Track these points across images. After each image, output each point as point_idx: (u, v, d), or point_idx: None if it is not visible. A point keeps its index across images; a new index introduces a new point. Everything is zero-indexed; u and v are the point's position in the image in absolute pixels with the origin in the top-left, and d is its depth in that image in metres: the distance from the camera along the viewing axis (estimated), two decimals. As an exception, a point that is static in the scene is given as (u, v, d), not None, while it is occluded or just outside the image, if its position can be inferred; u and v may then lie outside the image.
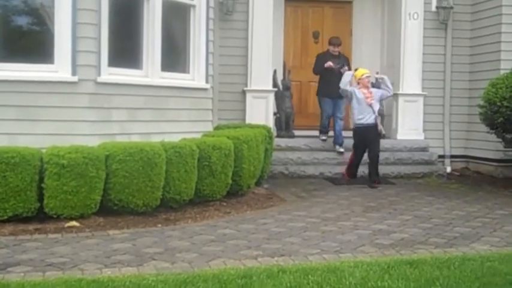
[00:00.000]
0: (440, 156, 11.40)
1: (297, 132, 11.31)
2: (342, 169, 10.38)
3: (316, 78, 11.21)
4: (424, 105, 11.59)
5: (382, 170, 10.65)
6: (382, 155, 10.83)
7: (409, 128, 11.48)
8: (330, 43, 11.05)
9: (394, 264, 5.30)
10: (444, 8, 11.43)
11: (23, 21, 8.01)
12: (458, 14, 11.58)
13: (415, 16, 11.46)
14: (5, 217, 6.50)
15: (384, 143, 11.13)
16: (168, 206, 7.38)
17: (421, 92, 11.57)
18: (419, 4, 11.48)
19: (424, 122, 11.59)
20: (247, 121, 10.54)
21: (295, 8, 12.42)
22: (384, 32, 12.39)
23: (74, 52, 7.38)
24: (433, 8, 11.53)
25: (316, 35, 12.46)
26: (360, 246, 6.08)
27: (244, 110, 10.89)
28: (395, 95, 11.54)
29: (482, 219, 7.45)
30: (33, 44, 7.90)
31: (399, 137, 11.46)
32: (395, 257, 5.68)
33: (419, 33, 11.50)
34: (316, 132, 11.28)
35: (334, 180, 10.16)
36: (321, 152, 10.79)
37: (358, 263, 5.39)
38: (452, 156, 11.65)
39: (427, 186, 10.15)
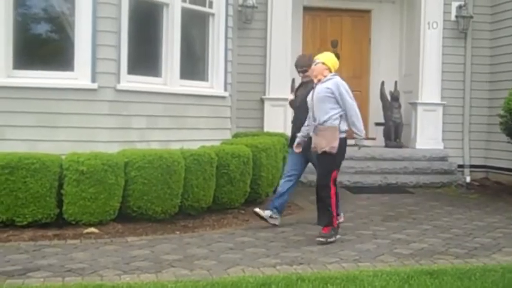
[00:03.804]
0: (459, 166, 11.31)
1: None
2: (361, 178, 10.30)
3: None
4: (443, 114, 11.51)
5: (401, 179, 10.62)
6: (401, 164, 10.81)
7: (428, 137, 11.40)
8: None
9: (414, 274, 5.25)
10: (464, 17, 11.36)
11: (43, 29, 8.07)
12: (478, 23, 11.51)
13: (434, 25, 11.41)
14: (25, 223, 6.54)
15: (402, 152, 11.12)
16: (187, 214, 7.38)
17: (440, 102, 11.49)
18: (439, 13, 11.43)
19: (443, 131, 11.51)
20: (265, 129, 10.54)
21: (313, 17, 12.42)
22: (402, 41, 12.35)
23: (94, 59, 7.42)
24: (453, 17, 11.47)
25: (334, 44, 12.44)
26: (379, 255, 6.03)
27: (262, 118, 10.89)
28: (414, 104, 11.49)
29: (503, 230, 7.36)
30: (53, 51, 7.95)
31: (418, 146, 11.38)
32: (415, 267, 5.63)
33: (439, 42, 11.44)
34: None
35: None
36: (339, 161, 10.72)
37: (377, 272, 5.35)
38: (471, 166, 11.56)
39: (446, 196, 10.06)
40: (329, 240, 6.42)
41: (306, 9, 12.21)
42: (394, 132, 11.55)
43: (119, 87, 7.53)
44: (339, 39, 12.49)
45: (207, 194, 7.46)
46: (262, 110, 10.93)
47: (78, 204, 6.63)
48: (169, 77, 8.29)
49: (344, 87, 6.56)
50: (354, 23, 12.59)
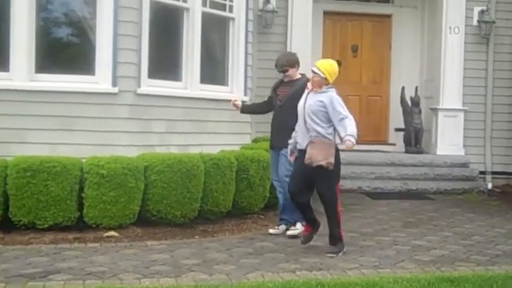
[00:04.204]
0: (481, 173, 11.20)
1: (334, 146, 11.22)
2: (381, 184, 10.24)
3: (356, 91, 11.11)
4: (465, 120, 11.40)
5: (421, 185, 10.54)
6: (421, 170, 10.73)
7: (449, 143, 11.30)
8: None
9: (434, 281, 5.21)
10: (486, 22, 11.27)
11: (65, 33, 8.13)
12: (501, 28, 11.41)
13: (456, 30, 11.33)
14: (46, 226, 6.58)
15: (423, 158, 11.04)
16: (206, 218, 7.39)
17: (461, 107, 11.39)
18: (460, 18, 11.34)
19: (465, 137, 11.40)
20: (285, 134, 10.49)
21: (333, 22, 12.38)
22: (423, 46, 12.27)
23: (115, 63, 7.45)
24: (475, 22, 11.38)
25: (354, 49, 12.40)
26: (399, 262, 5.99)
27: (281, 123, 10.84)
28: (435, 110, 11.40)
29: (525, 237, 7.29)
30: (74, 55, 8.00)
31: (439, 152, 11.29)
32: (435, 273, 5.58)
33: (460, 47, 11.35)
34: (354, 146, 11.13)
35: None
36: (358, 166, 10.69)
37: (397, 279, 5.31)
38: (493, 173, 11.44)
39: (467, 202, 9.97)
40: (339, 254, 6.19)
41: (326, 13, 12.18)
42: (415, 138, 11.47)
43: (139, 91, 7.56)
44: (359, 44, 12.44)
45: (226, 199, 7.45)
46: (281, 114, 10.88)
47: (98, 207, 6.66)
48: (190, 81, 8.30)
49: (338, 101, 6.18)
50: (374, 27, 12.53)
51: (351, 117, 6.16)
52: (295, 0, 10.94)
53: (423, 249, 6.52)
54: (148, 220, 7.00)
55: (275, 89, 7.18)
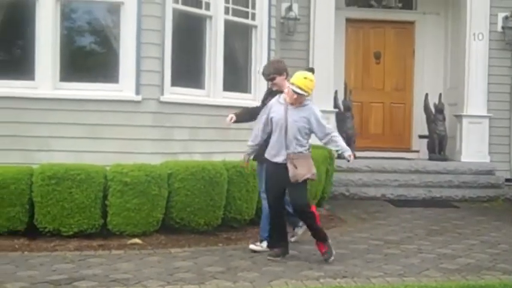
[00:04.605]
0: (507, 180, 11.06)
1: (358, 154, 11.13)
2: (405, 191, 10.17)
3: (380, 98, 11.06)
4: (490, 127, 11.29)
5: (446, 192, 10.45)
6: (445, 177, 10.63)
7: (474, 150, 11.19)
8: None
9: (460, 290, 5.15)
10: (510, 28, 11.16)
11: (88, 41, 8.19)
12: (525, 34, 11.29)
13: (480, 37, 11.24)
14: (71, 233, 6.62)
15: (447, 165, 10.94)
16: (229, 226, 7.38)
17: (486, 114, 11.28)
18: (485, 24, 11.25)
19: (490, 144, 11.29)
20: (308, 142, 10.47)
21: (356, 29, 12.35)
22: (447, 53, 12.19)
23: (138, 71, 7.49)
24: (499, 29, 11.29)
25: (377, 56, 12.36)
26: (424, 270, 5.93)
27: (304, 131, 10.82)
28: (459, 117, 11.30)
29: (553, 246, 7.18)
30: (98, 63, 8.07)
31: (463, 159, 11.18)
32: (461, 282, 5.52)
33: (485, 54, 11.26)
34: (377, 154, 11.13)
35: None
36: (382, 174, 10.63)
37: (422, 287, 5.26)
38: (519, 180, 11.31)
39: (493, 210, 9.86)
40: (333, 253, 6.14)
41: (349, 20, 12.16)
42: (439, 145, 11.38)
43: (162, 99, 7.59)
44: (382, 51, 12.40)
45: (249, 206, 7.44)
46: (304, 122, 10.87)
47: (122, 215, 6.69)
48: (213, 89, 8.32)
49: (319, 114, 6.17)
50: (397, 34, 12.48)
51: (335, 130, 6.39)
52: (317, 7, 10.94)
53: (448, 258, 6.45)
54: (172, 228, 7.00)
55: (264, 100, 6.72)
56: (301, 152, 6.08)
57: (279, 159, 6.11)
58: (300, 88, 5.99)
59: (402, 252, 6.65)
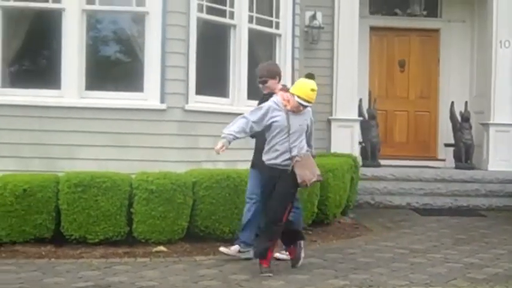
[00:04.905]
0: (535, 189, 10.90)
1: (382, 162, 11.15)
2: (430, 200, 10.06)
3: (404, 106, 10.96)
4: (517, 135, 11.16)
5: (472, 201, 10.33)
6: (472, 186, 10.52)
7: (501, 159, 11.06)
8: None
9: (488, 299, 5.08)
10: (537, 35, 11.05)
11: (113, 51, 8.28)
12: (552, 41, 11.16)
13: (507, 44, 11.13)
14: (96, 240, 6.66)
15: (474, 174, 10.82)
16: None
17: (513, 122, 11.17)
18: (511, 32, 11.13)
19: (517, 152, 11.15)
20: (332, 150, 10.45)
21: (380, 37, 12.32)
22: (473, 61, 12.09)
23: (163, 80, 7.54)
24: (525, 36, 11.18)
25: (402, 64, 12.30)
26: (451, 279, 5.84)
27: (329, 139, 10.81)
28: (486, 125, 11.18)
29: None
30: (123, 72, 8.14)
31: (490, 168, 11.05)
32: (489, 291, 5.45)
33: (511, 61, 11.13)
34: (402, 162, 11.04)
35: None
36: (407, 182, 10.54)
37: (450, 296, 5.20)
38: (547, 189, 11.13)
39: (520, 219, 9.72)
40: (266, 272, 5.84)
41: (373, 29, 12.13)
42: (465, 153, 11.27)
43: (187, 107, 7.62)
44: (407, 59, 12.34)
45: (274, 214, 7.40)
46: (329, 130, 10.86)
47: (147, 222, 6.71)
48: (237, 97, 8.34)
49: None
50: (422, 42, 12.42)
51: None
52: (341, 16, 10.92)
53: (476, 267, 6.36)
54: (197, 235, 7.00)
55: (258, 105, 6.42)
56: (303, 154, 5.94)
57: (278, 161, 5.90)
58: (307, 101, 5.86)
59: (428, 261, 6.57)
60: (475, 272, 6.13)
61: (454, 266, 6.40)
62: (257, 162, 6.30)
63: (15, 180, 6.63)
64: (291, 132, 5.88)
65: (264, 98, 6.39)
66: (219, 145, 5.86)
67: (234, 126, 5.89)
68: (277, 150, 5.89)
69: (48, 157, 7.25)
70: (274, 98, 5.99)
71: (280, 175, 5.90)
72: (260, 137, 6.24)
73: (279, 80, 6.41)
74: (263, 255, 5.90)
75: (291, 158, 5.87)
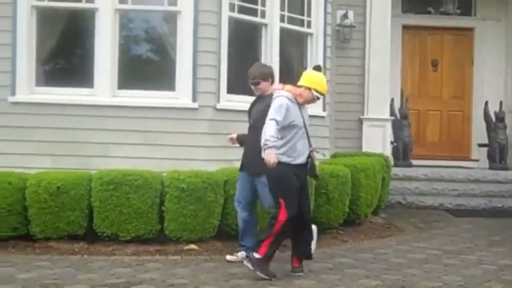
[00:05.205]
0: None
1: (414, 162, 11.02)
2: (464, 201, 9.93)
3: (437, 106, 10.82)
4: (554, 136, 10.96)
5: (507, 202, 10.18)
6: (507, 187, 10.38)
7: (537, 159, 10.88)
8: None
9: (524, 302, 4.98)
10: None
11: (145, 50, 8.32)
12: None
13: (543, 43, 10.94)
14: (128, 238, 6.70)
15: (509, 174, 10.63)
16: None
17: (549, 122, 10.97)
18: (547, 31, 10.96)
19: (555, 153, 10.94)
20: (364, 149, 10.37)
21: (413, 36, 12.18)
22: (508, 59, 11.87)
23: (195, 79, 7.56)
24: (561, 34, 10.97)
25: (434, 63, 12.15)
26: (486, 282, 5.76)
27: (360, 139, 10.71)
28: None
29: None
30: (155, 71, 8.17)
31: (525, 168, 10.88)
32: (525, 294, 5.35)
33: (548, 60, 10.96)
34: (435, 162, 10.90)
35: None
36: (440, 183, 10.42)
37: (484, 299, 5.12)
38: None
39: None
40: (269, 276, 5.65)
41: (405, 27, 12.00)
42: (499, 154, 11.08)
43: (218, 106, 7.63)
44: (440, 59, 12.18)
45: (305, 214, 7.37)
46: (360, 130, 10.76)
47: (178, 221, 6.73)
48: (268, 96, 8.30)
49: None
50: (455, 41, 12.24)
51: None
52: (373, 15, 10.81)
53: (510, 269, 6.25)
54: (228, 234, 7.00)
55: (251, 108, 6.38)
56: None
57: (302, 159, 5.85)
58: (322, 94, 5.93)
59: (462, 263, 6.48)
60: (510, 274, 6.04)
61: (489, 268, 6.30)
62: (247, 163, 6.19)
63: (50, 178, 6.71)
64: (306, 125, 5.88)
65: (258, 99, 6.29)
66: (274, 159, 5.59)
67: (272, 131, 5.63)
68: (297, 148, 5.81)
69: (82, 155, 7.32)
70: (285, 94, 5.81)
71: (303, 170, 5.87)
72: (247, 139, 6.25)
73: (272, 81, 6.29)
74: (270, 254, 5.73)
75: (311, 151, 5.88)
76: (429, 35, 12.23)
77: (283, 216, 5.66)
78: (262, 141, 5.61)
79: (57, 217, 6.68)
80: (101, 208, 6.68)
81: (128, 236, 6.69)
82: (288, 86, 5.95)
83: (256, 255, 5.63)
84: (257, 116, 6.07)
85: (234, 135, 6.58)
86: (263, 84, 6.19)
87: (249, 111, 6.37)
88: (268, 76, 6.24)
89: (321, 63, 9.02)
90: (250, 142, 6.14)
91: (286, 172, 5.73)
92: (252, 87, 6.28)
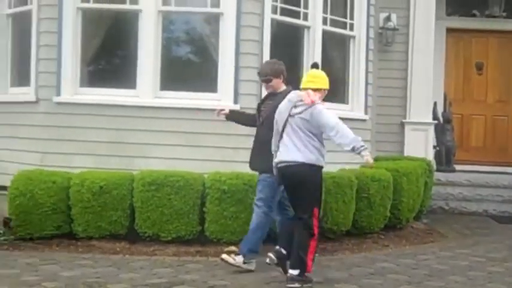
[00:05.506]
0: None
1: (458, 167, 10.83)
2: (509, 207, 9.72)
3: (481, 110, 10.62)
4: None
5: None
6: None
7: None
8: None
9: None
10: None
11: (188, 51, 8.35)
12: None
13: None
14: (169, 238, 6.74)
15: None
16: (325, 236, 7.26)
17: None
18: None
19: None
20: (406, 153, 10.23)
21: (457, 39, 11.98)
22: (556, 63, 11.62)
23: (237, 81, 7.56)
24: None
25: (479, 66, 11.92)
26: (532, 290, 5.63)
27: (402, 142, 10.57)
28: None
29: None
30: (197, 73, 8.19)
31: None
32: None
33: None
34: (478, 167, 10.70)
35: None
36: (484, 188, 10.22)
37: (530, 308, 4.99)
38: None
39: None
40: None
41: (449, 30, 11.80)
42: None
43: (260, 108, 7.61)
44: (485, 62, 11.94)
45: (346, 218, 7.32)
46: (402, 133, 10.62)
47: (219, 222, 6.74)
48: (310, 99, 8.25)
49: None
50: (500, 44, 11.99)
51: None
52: (417, 18, 10.66)
53: (557, 277, 6.10)
54: (268, 237, 6.93)
55: (260, 104, 6.32)
56: None
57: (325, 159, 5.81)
58: (325, 87, 5.89)
59: (507, 271, 6.34)
60: (556, 283, 5.90)
61: (535, 276, 6.16)
62: (255, 159, 6.12)
63: (92, 177, 6.79)
64: None
65: (268, 96, 6.17)
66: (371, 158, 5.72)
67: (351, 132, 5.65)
68: (323, 149, 5.78)
69: (124, 155, 7.39)
70: (313, 97, 5.67)
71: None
72: (255, 136, 6.18)
73: (284, 79, 6.17)
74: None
75: None
76: (474, 37, 12.01)
77: (316, 229, 5.53)
78: (357, 144, 5.51)
79: (100, 216, 6.76)
80: (143, 208, 6.73)
81: (169, 236, 6.72)
82: (314, 95, 5.72)
83: (308, 274, 5.44)
84: (268, 113, 5.97)
85: (227, 110, 6.50)
86: (275, 81, 6.10)
87: (258, 108, 6.28)
88: (279, 73, 6.13)
89: (363, 65, 8.97)
90: (260, 138, 6.09)
91: (318, 177, 5.71)
92: (264, 84, 6.20)
